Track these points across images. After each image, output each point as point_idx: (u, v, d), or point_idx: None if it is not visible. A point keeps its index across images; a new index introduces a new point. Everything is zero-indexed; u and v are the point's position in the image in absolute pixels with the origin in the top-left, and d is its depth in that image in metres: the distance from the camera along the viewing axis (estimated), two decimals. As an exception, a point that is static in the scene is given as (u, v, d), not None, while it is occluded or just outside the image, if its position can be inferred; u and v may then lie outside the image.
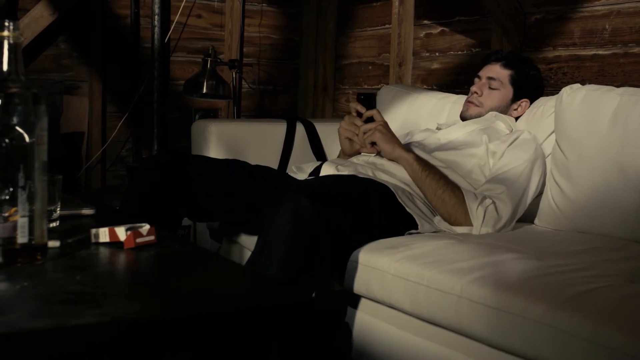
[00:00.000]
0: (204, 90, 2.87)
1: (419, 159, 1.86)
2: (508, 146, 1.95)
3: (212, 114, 3.27)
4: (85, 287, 0.91)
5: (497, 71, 2.12)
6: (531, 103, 2.13)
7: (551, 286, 1.28)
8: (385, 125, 1.93)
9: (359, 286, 1.60)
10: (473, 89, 2.14)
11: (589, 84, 1.96)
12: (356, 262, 1.60)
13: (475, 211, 1.76)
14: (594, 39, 2.27)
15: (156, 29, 2.97)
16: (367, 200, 1.72)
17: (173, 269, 1.06)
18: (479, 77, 2.15)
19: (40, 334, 0.73)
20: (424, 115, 2.39)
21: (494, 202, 1.79)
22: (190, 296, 0.90)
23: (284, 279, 1.44)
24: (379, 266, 1.53)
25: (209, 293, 0.93)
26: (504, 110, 2.11)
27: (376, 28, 3.22)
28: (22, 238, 0.98)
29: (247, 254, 1.72)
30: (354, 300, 1.65)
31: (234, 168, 1.89)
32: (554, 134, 1.98)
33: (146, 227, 1.15)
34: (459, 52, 2.79)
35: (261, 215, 1.62)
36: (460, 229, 1.77)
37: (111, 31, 3.00)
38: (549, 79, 2.40)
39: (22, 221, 0.98)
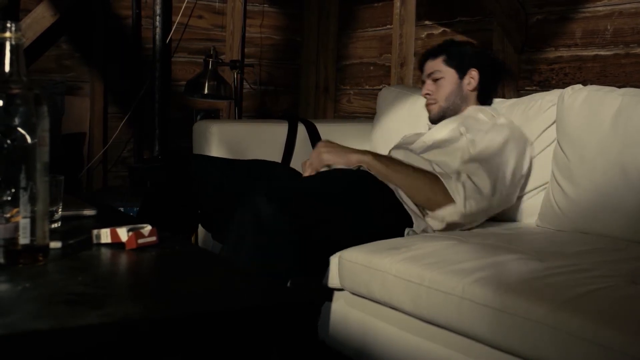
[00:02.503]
0: (205, 91, 2.88)
1: (378, 157, 1.85)
2: (485, 134, 1.95)
3: (213, 115, 3.27)
4: (87, 288, 0.91)
5: (431, 65, 2.16)
6: (479, 69, 2.14)
7: (553, 287, 1.28)
8: (326, 142, 1.93)
9: (359, 287, 1.60)
10: (423, 93, 2.17)
11: (591, 84, 1.96)
12: (357, 263, 1.60)
13: (455, 187, 1.75)
14: (596, 39, 2.27)
15: (157, 30, 2.98)
16: (365, 198, 1.72)
17: (174, 270, 1.06)
18: (424, 81, 2.19)
19: (41, 335, 0.73)
20: (424, 116, 2.39)
21: (469, 177, 1.79)
22: (191, 297, 0.90)
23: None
24: (380, 267, 1.53)
25: (210, 294, 0.93)
26: (459, 91, 2.13)
27: (377, 28, 3.22)
28: (23, 239, 0.98)
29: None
30: (355, 300, 1.65)
31: (252, 171, 1.92)
32: (552, 127, 1.97)
33: (148, 228, 1.15)
34: (461, 53, 2.78)
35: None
36: (445, 212, 1.76)
37: (112, 32, 3.00)
38: (551, 80, 2.40)
39: (23, 222, 0.98)
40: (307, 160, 1.92)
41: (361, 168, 1.83)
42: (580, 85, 1.94)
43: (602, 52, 2.26)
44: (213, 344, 0.83)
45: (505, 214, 2.06)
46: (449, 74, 2.13)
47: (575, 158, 1.85)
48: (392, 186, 1.78)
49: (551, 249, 1.61)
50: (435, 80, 2.14)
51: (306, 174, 1.87)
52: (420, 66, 2.24)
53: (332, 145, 1.90)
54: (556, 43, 2.39)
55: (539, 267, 1.39)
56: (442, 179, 1.76)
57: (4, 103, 0.97)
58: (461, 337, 1.37)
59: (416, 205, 1.80)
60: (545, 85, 2.38)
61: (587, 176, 1.81)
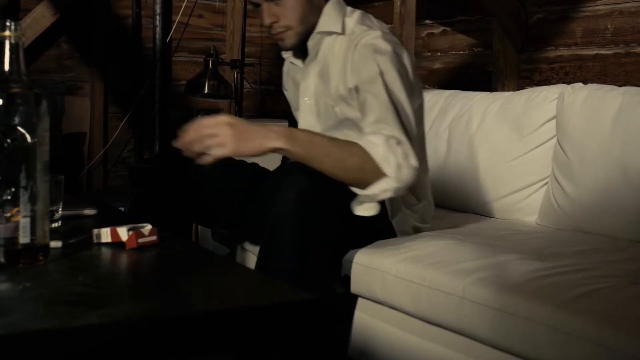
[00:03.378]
0: (206, 91, 2.88)
1: (293, 140, 1.42)
2: (358, 74, 1.62)
3: (213, 114, 3.27)
4: (88, 287, 0.91)
5: None
6: None
7: (554, 287, 1.27)
8: (231, 121, 1.41)
9: (360, 287, 1.60)
10: (266, 22, 1.67)
11: (591, 83, 1.96)
12: (357, 263, 1.60)
13: (384, 157, 1.47)
14: (596, 38, 2.27)
15: (157, 29, 2.98)
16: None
17: (175, 270, 1.06)
18: (259, 5, 1.68)
19: (42, 335, 0.73)
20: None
21: (398, 142, 1.51)
22: (192, 297, 0.90)
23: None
24: (381, 267, 1.53)
25: (210, 294, 0.92)
26: (311, 5, 1.67)
27: (378, 28, 3.21)
28: (24, 238, 0.98)
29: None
30: (355, 301, 1.65)
31: (244, 174, 1.85)
32: (552, 121, 1.97)
33: (148, 227, 1.15)
34: (461, 52, 2.78)
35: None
36: (376, 189, 1.49)
37: (113, 31, 3.00)
38: (551, 79, 2.40)
39: (23, 221, 0.98)
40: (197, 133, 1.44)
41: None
42: (580, 84, 1.94)
43: (603, 51, 2.26)
44: (213, 344, 0.82)
45: (504, 212, 2.06)
46: None
47: (575, 157, 1.85)
48: None
49: (551, 248, 1.60)
50: (277, 2, 1.64)
51: (206, 160, 1.39)
52: None
53: (241, 126, 1.40)
54: (556, 42, 2.39)
55: (540, 267, 1.39)
56: (368, 150, 1.47)
57: (4, 102, 0.97)
58: (462, 337, 1.37)
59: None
60: (545, 85, 2.38)
61: (587, 175, 1.81)
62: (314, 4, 1.68)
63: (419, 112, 1.71)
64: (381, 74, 1.58)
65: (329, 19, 1.70)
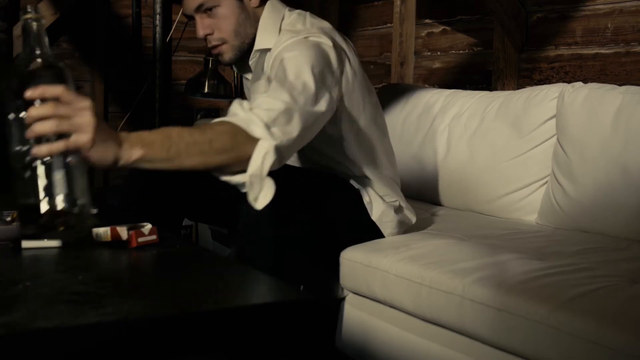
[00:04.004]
0: (206, 90, 2.88)
1: (149, 144, 1.14)
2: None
3: (213, 114, 3.27)
4: (88, 287, 0.91)
5: None
6: None
7: (554, 287, 1.27)
8: (93, 120, 1.03)
9: (360, 286, 1.60)
10: (200, 34, 1.63)
11: (591, 82, 1.96)
12: (357, 262, 1.60)
13: (247, 119, 1.29)
14: (596, 38, 2.27)
15: (157, 29, 2.97)
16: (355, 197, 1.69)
17: (176, 269, 1.06)
18: (192, 18, 1.65)
19: (43, 334, 0.73)
20: (426, 112, 2.39)
21: (255, 106, 1.34)
22: (192, 296, 0.90)
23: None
24: (381, 266, 1.53)
25: (211, 293, 0.92)
26: (246, 16, 1.63)
27: (378, 27, 3.22)
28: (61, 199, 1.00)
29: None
30: (356, 300, 1.65)
31: None
32: (552, 120, 1.97)
33: (148, 227, 1.15)
34: (461, 51, 2.79)
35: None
36: (257, 160, 1.26)
37: (113, 31, 3.00)
38: (551, 78, 2.40)
39: (58, 175, 0.99)
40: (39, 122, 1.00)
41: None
42: (580, 83, 1.94)
43: (603, 51, 2.25)
44: (213, 343, 0.83)
45: (504, 211, 2.06)
46: (224, 1, 1.60)
47: (575, 156, 1.85)
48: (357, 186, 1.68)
49: (551, 248, 1.60)
50: (209, 10, 1.60)
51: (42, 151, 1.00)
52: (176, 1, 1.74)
53: (100, 119, 1.05)
54: (557, 41, 2.39)
55: (540, 267, 1.39)
56: (232, 120, 1.29)
57: (28, 79, 0.98)
58: (462, 336, 1.37)
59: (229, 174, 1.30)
60: (545, 84, 2.38)
61: (587, 175, 1.81)
62: (248, 12, 1.63)
63: (366, 107, 1.73)
64: (282, 60, 1.48)
65: (264, 33, 1.64)
